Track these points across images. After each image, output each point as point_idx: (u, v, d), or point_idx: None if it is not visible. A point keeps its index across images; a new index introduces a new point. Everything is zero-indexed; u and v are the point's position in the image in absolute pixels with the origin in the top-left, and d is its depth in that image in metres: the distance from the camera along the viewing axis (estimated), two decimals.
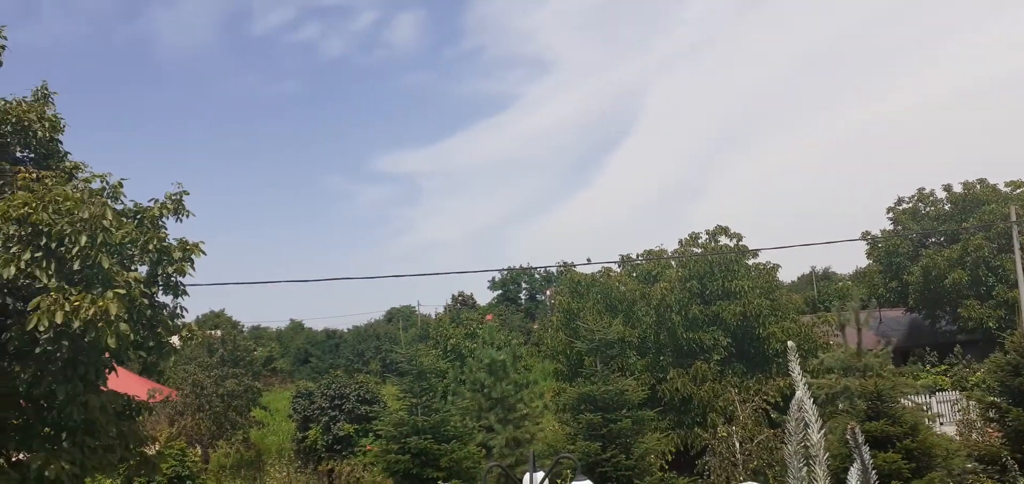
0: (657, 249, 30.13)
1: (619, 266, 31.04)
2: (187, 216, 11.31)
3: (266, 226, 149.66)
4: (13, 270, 8.27)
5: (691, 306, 26.17)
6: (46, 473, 8.93)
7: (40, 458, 9.03)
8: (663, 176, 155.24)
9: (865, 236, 39.59)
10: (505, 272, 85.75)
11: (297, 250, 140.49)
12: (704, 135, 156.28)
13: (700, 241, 28.49)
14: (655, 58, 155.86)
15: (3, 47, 11.21)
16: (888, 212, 39.77)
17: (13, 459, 9.88)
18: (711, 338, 25.81)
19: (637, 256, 30.73)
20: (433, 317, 77.95)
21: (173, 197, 11.16)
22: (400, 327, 78.19)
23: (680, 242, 29.16)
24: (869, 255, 40.89)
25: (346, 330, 78.72)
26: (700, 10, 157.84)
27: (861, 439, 3.70)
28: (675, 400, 25.47)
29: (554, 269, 75.02)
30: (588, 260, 49.46)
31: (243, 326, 62.28)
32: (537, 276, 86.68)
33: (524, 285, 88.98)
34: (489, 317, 52.40)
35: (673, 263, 28.76)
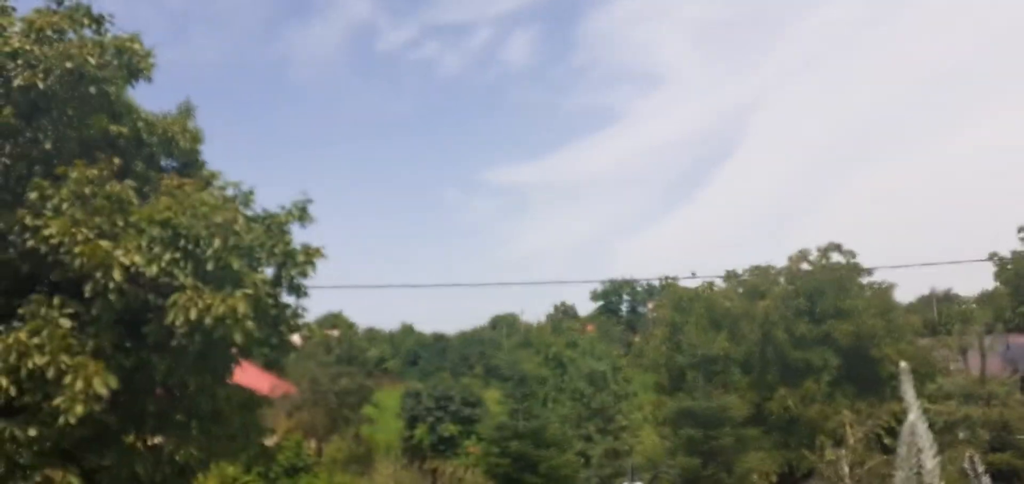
0: (764, 265, 29.32)
1: (724, 281, 30.41)
2: (311, 222, 12.06)
3: (383, 233, 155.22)
4: (155, 269, 9.08)
5: (799, 324, 25.34)
6: (177, 457, 9.76)
7: (173, 443, 9.88)
8: (771, 192, 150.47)
9: (992, 257, 36.96)
10: (607, 284, 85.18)
11: (411, 257, 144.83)
12: (817, 151, 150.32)
13: (810, 258, 27.53)
14: (769, 73, 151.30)
15: (153, 65, 12.27)
16: (1020, 232, 37.02)
17: (150, 443, 10.81)
18: (820, 358, 24.89)
19: (743, 272, 29.99)
20: (535, 325, 78.46)
21: (298, 204, 11.90)
22: (503, 334, 79.00)
23: (789, 259, 28.30)
24: (997, 277, 38.19)
25: (453, 334, 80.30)
26: (817, 25, 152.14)
27: (981, 469, 3.65)
28: (781, 419, 24.72)
29: (657, 282, 73.86)
30: (692, 274, 48.57)
31: (358, 327, 64.77)
32: (639, 289, 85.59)
33: (626, 297, 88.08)
34: (590, 328, 52.26)
35: (781, 280, 27.91)
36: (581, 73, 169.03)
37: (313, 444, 30.13)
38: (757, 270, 29.30)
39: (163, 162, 12.45)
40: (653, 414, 27.51)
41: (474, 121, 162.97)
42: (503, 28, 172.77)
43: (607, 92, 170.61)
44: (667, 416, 23.15)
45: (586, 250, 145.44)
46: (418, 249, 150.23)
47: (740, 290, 29.70)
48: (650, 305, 78.06)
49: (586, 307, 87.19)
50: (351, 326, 60.40)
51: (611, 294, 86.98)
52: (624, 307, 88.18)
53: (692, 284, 32.03)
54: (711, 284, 30.31)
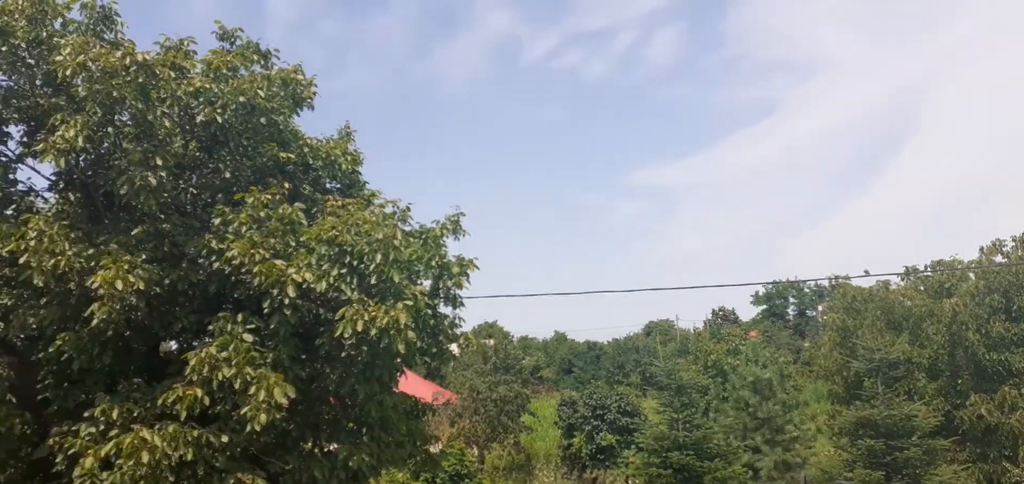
0: (949, 259, 26.72)
1: (901, 279, 28.00)
2: (463, 235, 12.34)
3: (533, 242, 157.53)
4: (324, 284, 9.62)
5: (993, 323, 22.85)
6: (350, 463, 10.22)
7: (345, 449, 10.36)
8: (952, 179, 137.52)
9: None
10: (770, 286, 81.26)
11: (560, 265, 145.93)
12: (1000, 132, 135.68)
13: (1005, 249, 24.77)
14: (939, 49, 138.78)
15: (315, 94, 13.08)
16: None
17: (325, 449, 11.42)
18: (1021, 360, 22.30)
19: (924, 267, 27.49)
20: (692, 332, 76.31)
21: (452, 218, 12.23)
22: (658, 341, 77.48)
23: (980, 250, 25.61)
24: None
25: (606, 342, 79.80)
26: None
27: None
28: (976, 429, 22.38)
29: (826, 283, 69.56)
30: (865, 272, 45.14)
31: (513, 336, 65.88)
32: (806, 290, 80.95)
33: (792, 300, 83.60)
34: (753, 333, 50.09)
35: (970, 275, 25.31)
36: (730, 66, 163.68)
37: (475, 451, 30.83)
38: (941, 265, 26.77)
39: (327, 184, 13.21)
40: (828, 424, 25.86)
41: (620, 124, 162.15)
42: (646, 29, 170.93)
43: (760, 84, 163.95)
44: (843, 426, 21.61)
45: (745, 251, 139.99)
46: (568, 256, 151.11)
47: (921, 288, 27.27)
48: (820, 308, 73.90)
49: (748, 311, 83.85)
50: (506, 335, 61.48)
51: (775, 297, 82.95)
52: (790, 310, 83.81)
53: (865, 283, 29.81)
54: (887, 283, 28.05)
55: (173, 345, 11.96)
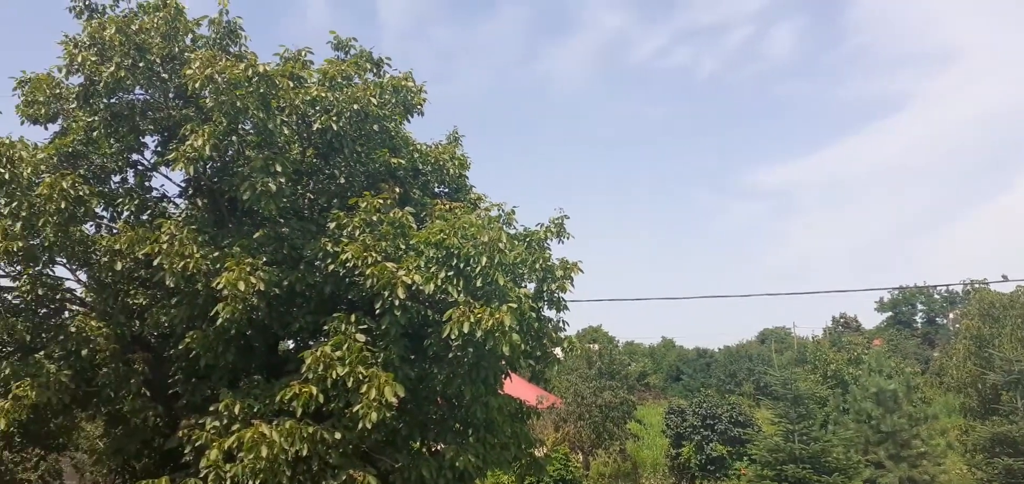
0: None
1: None
2: (568, 238, 12.32)
3: (640, 245, 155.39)
4: (432, 287, 9.82)
5: None
6: (457, 463, 10.37)
7: (452, 450, 10.52)
8: None
9: None
10: (896, 292, 76.74)
11: (669, 268, 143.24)
12: None
13: None
14: None
15: (425, 100, 13.40)
16: None
17: (433, 448, 11.64)
18: None
19: None
20: (810, 340, 73.07)
21: (556, 221, 12.23)
22: (773, 349, 74.66)
23: None
24: None
25: (717, 349, 77.64)
26: None
27: None
28: None
29: (959, 288, 65.12)
30: (1003, 277, 41.83)
31: (618, 341, 65.19)
32: (936, 296, 75.92)
33: (920, 307, 78.63)
34: (877, 342, 47.46)
35: None
36: (853, 60, 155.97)
37: (580, 457, 30.65)
38: None
39: (435, 188, 13.48)
40: (960, 440, 24.13)
41: (734, 123, 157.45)
42: (763, 23, 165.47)
43: (885, 78, 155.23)
44: (978, 443, 20.10)
45: (869, 254, 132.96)
46: (678, 260, 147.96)
47: None
48: (951, 315, 69.27)
49: (871, 319, 79.68)
50: (611, 340, 60.87)
51: (902, 304, 78.28)
52: (918, 318, 78.87)
53: (1004, 289, 27.62)
54: None
55: (290, 344, 12.52)
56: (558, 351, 12.22)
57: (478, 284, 9.85)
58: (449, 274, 9.90)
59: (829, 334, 71.27)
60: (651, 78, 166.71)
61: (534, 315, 10.73)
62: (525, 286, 11.05)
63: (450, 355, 10.26)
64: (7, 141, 11.02)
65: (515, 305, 9.55)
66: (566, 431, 30.98)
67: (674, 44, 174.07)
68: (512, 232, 11.96)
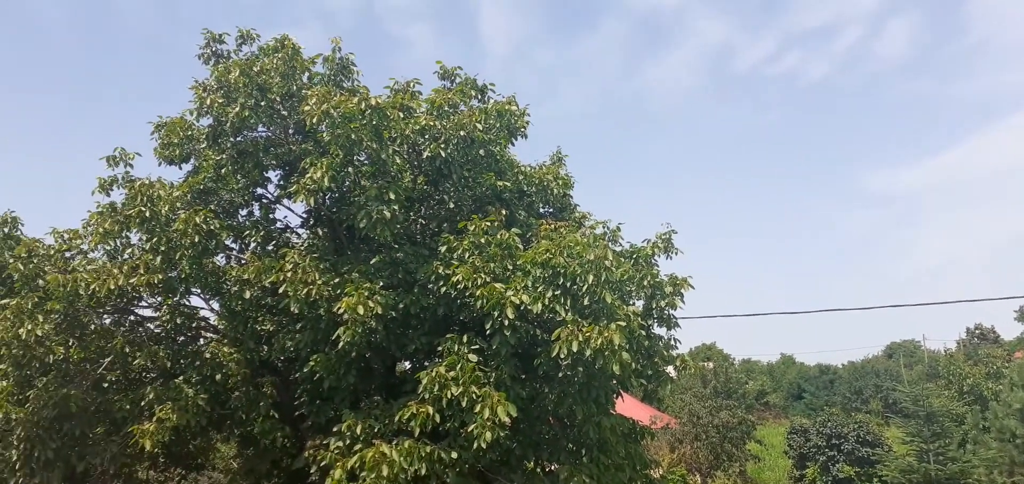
0: None
1: None
2: (676, 253, 12.12)
3: (754, 258, 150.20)
4: (540, 306, 9.86)
5: None
6: (572, 483, 10.33)
7: (566, 470, 10.48)
8: None
9: None
10: None
11: (786, 281, 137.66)
12: None
13: None
14: None
15: (528, 123, 13.55)
16: None
17: (547, 468, 11.65)
18: None
19: None
20: (943, 353, 68.32)
21: (663, 236, 12.07)
22: (902, 363, 70.24)
23: None
24: None
25: (840, 365, 73.85)
26: None
27: None
28: None
29: None
30: None
31: (734, 359, 63.16)
32: None
33: None
34: (1019, 354, 43.77)
35: None
36: (975, 54, 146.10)
37: (697, 479, 29.84)
38: None
39: (540, 208, 13.61)
40: None
41: (848, 127, 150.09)
42: (875, 22, 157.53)
43: (1011, 70, 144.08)
44: None
45: (1005, 259, 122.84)
46: (794, 271, 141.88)
47: None
48: None
49: (1010, 329, 73.71)
50: (726, 358, 58.98)
51: None
52: None
53: None
54: None
55: (407, 364, 12.90)
56: (670, 369, 12.00)
57: (585, 302, 9.83)
58: (556, 293, 9.92)
59: (963, 346, 66.43)
60: (759, 85, 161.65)
61: (644, 333, 10.59)
62: (633, 303, 10.94)
63: (560, 374, 10.28)
64: (147, 182, 11.95)
65: (624, 323, 9.46)
66: (682, 452, 30.27)
67: (782, 50, 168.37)
68: (618, 249, 11.88)
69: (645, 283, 11.08)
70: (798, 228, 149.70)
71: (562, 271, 9.96)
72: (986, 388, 27.24)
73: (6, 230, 13.07)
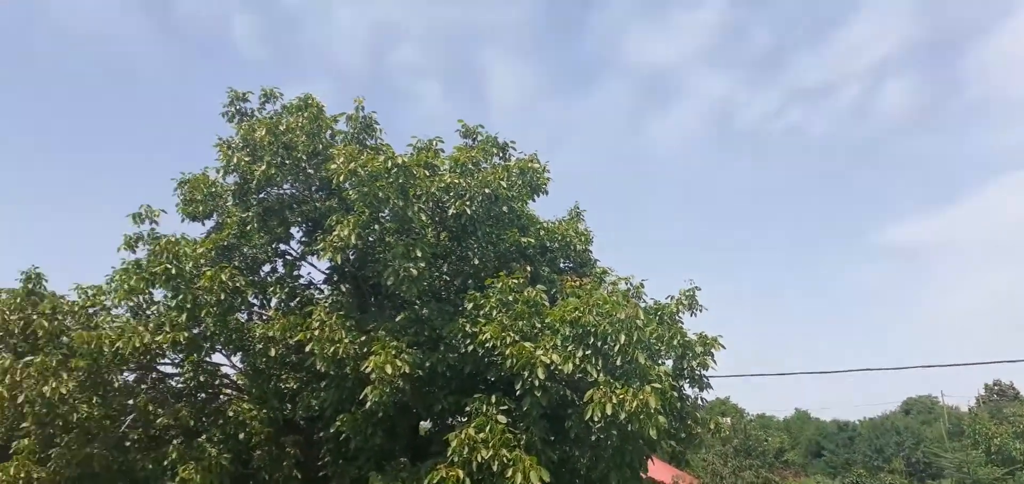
0: None
1: None
2: (700, 311, 11.94)
3: (764, 312, 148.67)
4: (570, 366, 9.66)
5: None
6: None
7: None
8: None
9: None
10: None
11: (797, 336, 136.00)
12: None
13: None
14: None
15: (549, 180, 13.53)
16: None
17: None
18: None
19: None
20: (962, 410, 67.09)
21: (686, 293, 11.91)
22: (920, 421, 68.93)
23: None
24: None
25: (858, 422, 72.48)
26: None
27: None
28: None
29: None
30: None
31: (748, 413, 62.16)
32: None
33: None
34: None
35: None
36: (977, 109, 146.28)
37: None
38: None
39: (561, 264, 13.49)
40: None
41: (853, 182, 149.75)
42: (874, 79, 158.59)
43: (1016, 124, 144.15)
44: None
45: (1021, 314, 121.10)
46: (805, 326, 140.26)
47: None
48: None
49: None
50: (740, 413, 58.01)
51: None
52: None
53: None
54: None
55: (429, 424, 12.67)
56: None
57: (617, 363, 9.65)
58: (586, 353, 9.74)
59: (983, 403, 65.16)
60: (763, 142, 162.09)
61: (676, 394, 10.37)
62: (663, 363, 10.74)
63: (593, 437, 10.02)
64: (173, 239, 11.96)
65: (659, 385, 9.26)
66: None
67: (785, 106, 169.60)
68: (642, 306, 11.73)
69: (674, 342, 10.89)
70: (808, 281, 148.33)
71: (593, 330, 9.79)
72: (1015, 448, 26.56)
73: (30, 286, 13.07)
